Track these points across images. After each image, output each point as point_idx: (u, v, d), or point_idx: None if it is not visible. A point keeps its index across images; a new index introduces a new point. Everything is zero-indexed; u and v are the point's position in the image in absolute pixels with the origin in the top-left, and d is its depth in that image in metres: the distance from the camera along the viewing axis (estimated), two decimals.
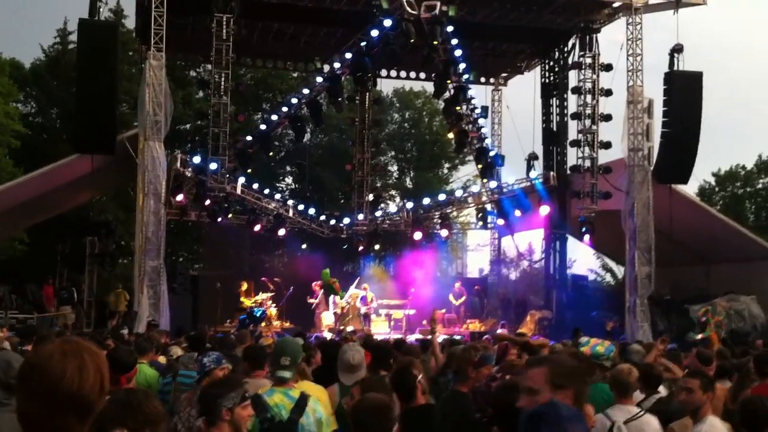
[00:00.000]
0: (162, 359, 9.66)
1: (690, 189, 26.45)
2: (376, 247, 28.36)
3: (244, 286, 25.17)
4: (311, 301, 25.21)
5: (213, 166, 23.02)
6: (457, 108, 26.47)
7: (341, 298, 24.94)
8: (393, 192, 44.50)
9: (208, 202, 23.68)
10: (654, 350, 9.51)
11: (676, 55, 24.43)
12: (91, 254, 25.57)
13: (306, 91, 26.10)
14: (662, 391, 7.04)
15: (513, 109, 30.53)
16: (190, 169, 23.74)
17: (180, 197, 23.68)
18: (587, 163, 25.09)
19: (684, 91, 24.42)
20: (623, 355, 8.73)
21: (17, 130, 31.63)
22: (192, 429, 5.55)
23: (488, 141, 27.93)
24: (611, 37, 26.25)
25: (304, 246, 27.94)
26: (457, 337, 17.58)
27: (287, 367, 5.41)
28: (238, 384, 4.65)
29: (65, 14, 42.50)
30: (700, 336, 20.37)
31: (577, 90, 25.49)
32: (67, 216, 29.42)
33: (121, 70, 26.82)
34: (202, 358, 6.50)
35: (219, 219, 24.31)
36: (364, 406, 4.07)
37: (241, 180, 24.83)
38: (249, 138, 26.32)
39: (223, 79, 23.08)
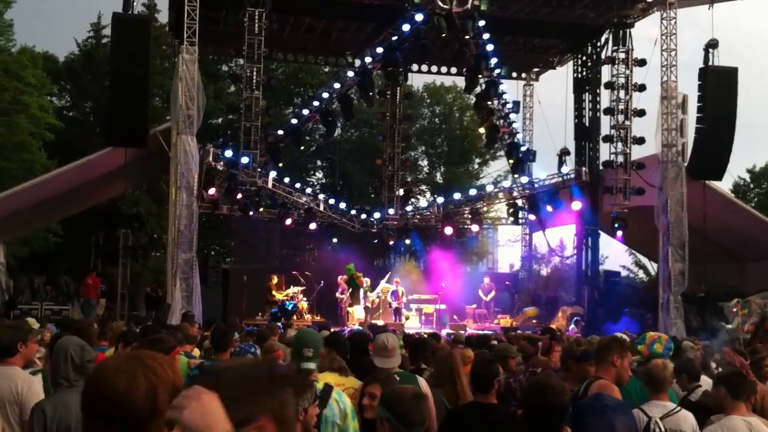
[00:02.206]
0: (196, 351, 9.70)
1: (724, 186, 26.16)
2: (407, 241, 28.36)
3: (275, 280, 25.27)
4: (338, 296, 25.27)
5: (244, 160, 23.13)
6: (489, 103, 26.37)
7: (369, 292, 24.95)
8: (423, 187, 44.46)
9: (239, 195, 23.80)
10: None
11: (710, 50, 24.19)
12: (124, 246, 25.81)
13: (337, 85, 26.11)
14: (703, 384, 6.97)
15: (545, 105, 30.41)
16: (221, 163, 23.87)
17: (212, 191, 23.83)
18: (620, 159, 24.90)
19: (719, 87, 24.16)
20: (675, 354, 8.62)
21: (51, 123, 31.96)
22: None
23: (520, 136, 27.79)
24: (645, 33, 26.04)
25: (334, 240, 28.00)
26: (488, 333, 17.50)
27: (311, 358, 5.40)
28: (311, 384, 4.66)
29: (99, 9, 42.85)
30: (729, 326, 20.23)
31: (610, 85, 25.29)
32: (101, 209, 29.72)
33: (153, 64, 27.03)
34: (254, 350, 6.52)
35: (250, 213, 24.41)
36: (404, 393, 4.05)
37: (273, 174, 24.92)
38: (280, 132, 26.41)
39: (254, 73, 23.19)
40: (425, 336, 12.96)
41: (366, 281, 25.26)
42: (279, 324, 16.37)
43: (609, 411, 4.41)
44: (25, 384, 5.60)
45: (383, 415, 3.90)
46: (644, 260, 37.23)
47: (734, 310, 21.29)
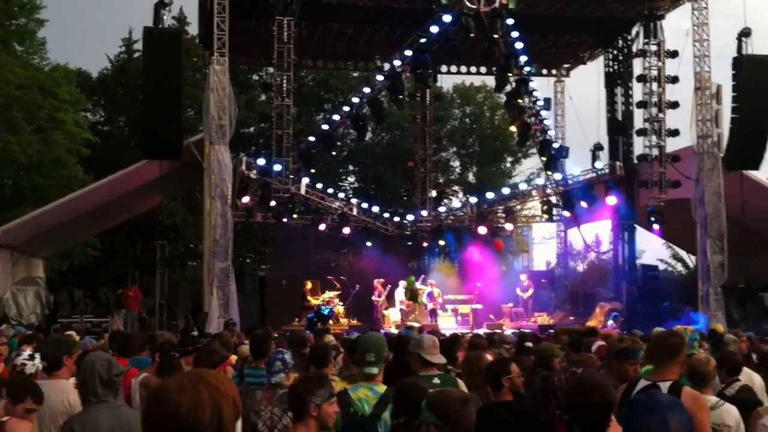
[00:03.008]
0: (233, 358, 9.77)
1: (762, 175, 25.73)
2: (441, 243, 28.31)
3: (309, 285, 25.37)
4: (375, 299, 25.29)
5: (277, 167, 23.26)
6: (519, 101, 26.24)
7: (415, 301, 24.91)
8: (456, 188, 44.38)
9: (273, 203, 23.93)
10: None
11: (743, 39, 23.82)
12: (161, 257, 26.07)
13: (367, 90, 26.14)
14: (742, 378, 6.88)
15: (576, 100, 30.16)
16: (254, 171, 24.01)
17: (246, 199, 23.99)
18: (655, 152, 24.66)
19: (753, 76, 23.79)
20: (717, 347, 8.51)
21: (87, 139, 32.42)
22: (274, 428, 5.60)
23: (551, 133, 27.62)
24: (676, 24, 25.77)
25: (368, 244, 28.04)
26: (526, 331, 17.40)
27: (373, 363, 5.42)
28: (326, 380, 4.69)
29: (130, 24, 43.41)
30: None
31: (642, 78, 25.05)
32: (137, 221, 30.06)
33: (185, 76, 27.29)
34: (282, 355, 6.55)
35: (284, 220, 24.53)
36: (452, 397, 4.02)
37: (305, 180, 25.02)
38: (312, 138, 26.51)
39: (285, 81, 23.32)
40: (458, 335, 12.86)
41: (404, 284, 25.25)
42: (312, 330, 16.41)
43: (662, 408, 4.35)
44: (76, 396, 5.66)
45: (431, 420, 3.82)
46: (682, 253, 36.79)
47: None
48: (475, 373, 6.58)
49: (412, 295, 24.71)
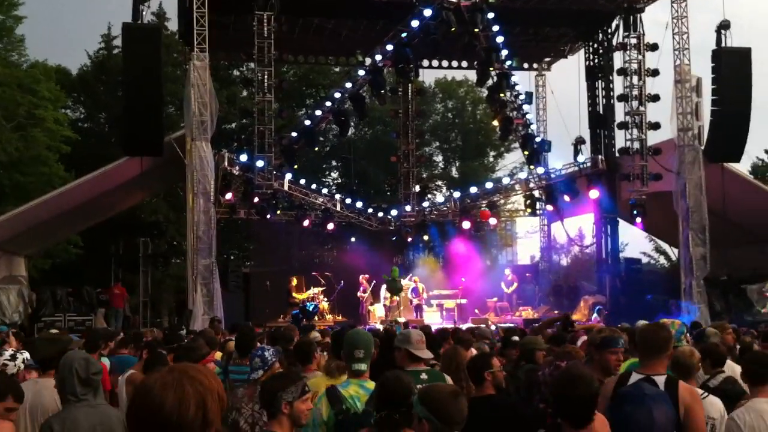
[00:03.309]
0: (219, 355, 9.74)
1: (743, 167, 25.94)
2: (425, 238, 28.34)
3: (295, 281, 25.33)
4: (360, 295, 25.28)
5: (260, 163, 23.18)
6: (501, 95, 26.29)
7: (397, 295, 24.88)
8: (439, 182, 44.43)
9: (256, 199, 23.87)
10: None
11: (723, 31, 23.95)
12: (144, 255, 25.94)
13: (348, 85, 26.11)
14: (726, 370, 6.92)
15: (558, 94, 30.30)
16: (237, 167, 23.94)
17: (229, 196, 23.91)
18: (636, 145, 24.77)
19: (732, 68, 23.92)
20: (699, 339, 8.55)
21: (67, 136, 32.17)
22: (256, 424, 5.58)
23: (534, 127, 27.69)
24: (655, 17, 25.85)
25: (352, 239, 28.03)
26: (510, 325, 17.46)
27: (362, 359, 5.41)
28: (298, 377, 4.68)
29: (109, 20, 43.07)
30: (764, 310, 20.06)
31: (622, 71, 25.14)
32: (120, 218, 29.89)
33: (165, 72, 27.11)
34: (262, 351, 6.53)
35: (268, 216, 24.47)
36: (443, 391, 4.03)
37: (288, 176, 24.97)
38: (294, 134, 26.45)
39: (266, 76, 23.23)
40: (444, 330, 12.89)
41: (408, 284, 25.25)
42: (297, 326, 16.36)
43: (648, 400, 4.38)
44: None
45: (422, 414, 3.85)
46: (665, 246, 37.01)
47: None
48: (453, 367, 6.60)
49: (394, 286, 24.66)
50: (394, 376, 4.42)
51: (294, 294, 24.96)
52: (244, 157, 23.81)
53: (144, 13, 22.52)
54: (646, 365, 5.27)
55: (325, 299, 25.19)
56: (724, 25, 23.92)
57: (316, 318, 23.11)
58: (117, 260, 26.53)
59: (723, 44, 23.97)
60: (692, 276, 22.86)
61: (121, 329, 18.37)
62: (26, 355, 6.54)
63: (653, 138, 25.11)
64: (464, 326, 19.52)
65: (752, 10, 45.53)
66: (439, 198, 32.16)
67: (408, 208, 29.00)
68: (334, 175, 44.01)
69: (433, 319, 24.42)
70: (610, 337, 6.81)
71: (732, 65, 23.92)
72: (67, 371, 5.03)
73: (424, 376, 5.67)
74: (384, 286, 25.12)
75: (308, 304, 24.09)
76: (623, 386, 5.15)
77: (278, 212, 25.01)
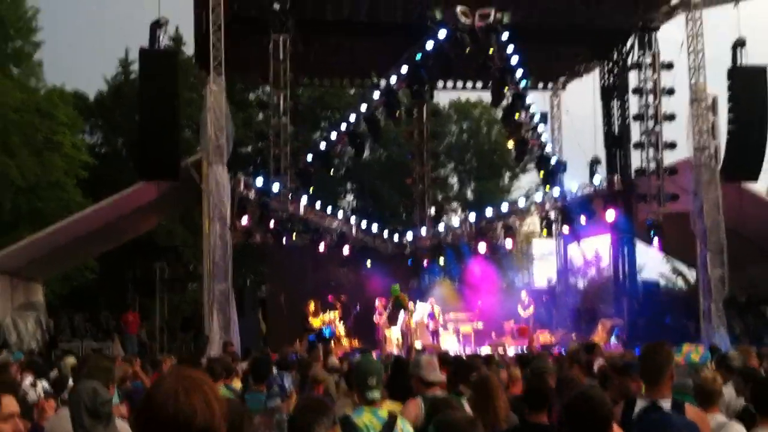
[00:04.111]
0: (237, 383, 9.68)
1: (761, 186, 25.74)
2: (441, 260, 28.20)
3: (312, 306, 25.25)
4: (376, 319, 25.13)
5: (275, 187, 23.21)
6: (516, 116, 26.22)
7: (411, 314, 24.75)
8: (454, 204, 44.36)
9: (272, 223, 23.85)
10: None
11: (738, 49, 23.89)
12: (161, 279, 25.99)
13: (363, 106, 26.14)
14: None
15: (573, 114, 30.22)
16: (253, 191, 23.97)
17: (245, 220, 23.91)
18: (652, 165, 24.65)
19: (749, 86, 23.88)
20: (721, 363, 8.44)
21: (84, 161, 32.40)
22: None
23: (549, 148, 27.58)
24: (670, 36, 25.81)
25: (368, 263, 27.93)
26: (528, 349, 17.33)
27: (375, 387, 5.34)
28: (328, 408, 4.60)
29: (126, 45, 43.47)
30: None
31: (638, 91, 25.09)
32: (136, 242, 30.00)
33: (182, 96, 27.32)
34: (282, 379, 6.49)
35: (284, 240, 24.46)
36: (459, 421, 3.96)
37: (304, 199, 24.97)
38: (309, 157, 26.48)
39: (281, 99, 23.31)
40: (472, 356, 12.73)
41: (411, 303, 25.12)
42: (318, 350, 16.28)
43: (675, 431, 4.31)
44: None
45: None
46: (682, 267, 36.70)
47: None
48: (483, 395, 6.51)
49: (399, 304, 24.57)
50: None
51: (310, 319, 24.89)
52: (260, 181, 23.84)
53: (161, 37, 22.67)
54: (649, 390, 5.18)
55: (342, 323, 25.08)
56: (739, 43, 23.87)
57: (332, 343, 23.00)
58: (133, 285, 26.61)
59: (739, 62, 23.89)
60: (711, 298, 22.61)
61: (137, 355, 18.36)
62: (45, 384, 6.54)
63: (669, 158, 25.01)
64: (482, 350, 19.43)
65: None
66: (455, 220, 32.07)
67: (423, 230, 28.91)
68: (350, 197, 44.07)
69: (450, 344, 24.24)
70: (632, 363, 6.73)
71: (748, 83, 23.88)
72: (75, 405, 4.96)
73: None
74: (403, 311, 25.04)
75: (324, 329, 24.00)
76: (631, 411, 5.07)
77: (294, 236, 24.98)
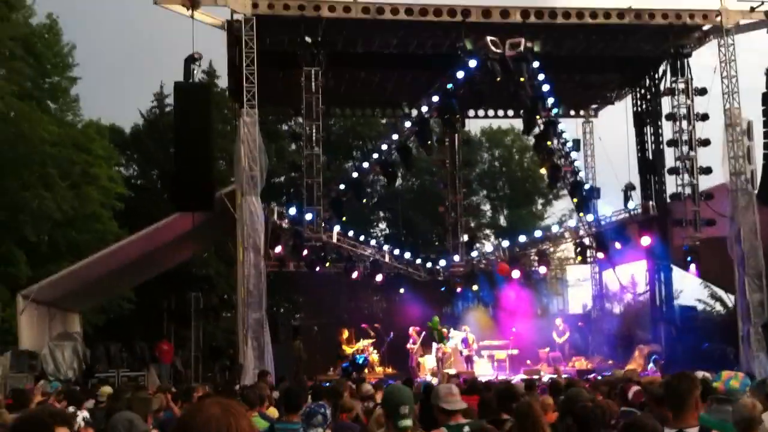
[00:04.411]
0: (273, 411, 9.69)
1: None
2: (474, 288, 28.13)
3: (345, 334, 25.28)
4: (410, 347, 25.09)
5: (308, 216, 23.36)
6: (548, 143, 26.20)
7: (446, 344, 24.69)
8: (487, 231, 44.25)
9: (305, 252, 24.00)
10: None
11: None
12: (195, 309, 26.16)
13: (395, 136, 26.29)
14: None
15: (606, 140, 30.09)
16: (286, 220, 24.14)
17: (278, 249, 24.07)
18: (687, 191, 24.44)
19: None
20: (761, 389, 8.30)
21: (120, 193, 32.84)
22: None
23: (582, 174, 27.50)
24: (703, 61, 25.69)
25: (401, 291, 27.94)
26: (564, 376, 17.17)
27: (407, 415, 5.33)
28: None
29: (161, 78, 44.21)
30: None
31: (671, 116, 24.94)
32: (171, 273, 30.27)
33: (215, 128, 27.66)
34: (324, 409, 6.50)
35: (317, 268, 24.58)
36: None
37: (337, 228, 25.09)
38: (342, 186, 26.63)
39: (314, 130, 23.53)
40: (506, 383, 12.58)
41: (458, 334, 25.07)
42: (350, 379, 16.28)
43: None
44: None
45: None
46: (720, 292, 36.18)
47: None
48: (528, 424, 6.44)
49: (439, 335, 24.54)
50: None
51: (344, 346, 24.89)
52: (293, 211, 24.03)
53: (195, 71, 23.05)
54: (675, 418, 5.13)
55: (375, 351, 25.06)
56: None
57: (366, 371, 22.98)
58: (169, 314, 26.81)
59: None
60: (750, 323, 22.29)
61: (171, 384, 18.48)
62: (85, 413, 6.61)
63: (705, 183, 24.78)
64: (518, 377, 19.28)
65: None
66: (488, 247, 31.98)
67: (456, 258, 28.87)
68: (382, 226, 44.13)
69: (485, 371, 24.12)
70: None
71: None
72: None
73: (466, 429, 5.61)
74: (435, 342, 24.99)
75: (358, 356, 24.00)
76: None
77: (327, 264, 25.09)
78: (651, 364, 22.63)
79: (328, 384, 13.66)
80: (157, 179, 39.37)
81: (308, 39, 23.02)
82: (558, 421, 7.78)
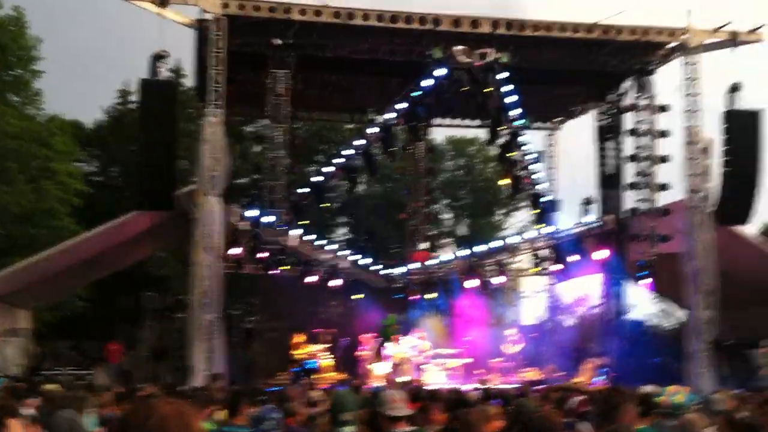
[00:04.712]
0: (224, 414, 9.62)
1: (752, 230, 25.79)
2: (431, 295, 28.16)
3: (299, 338, 25.17)
4: (362, 353, 25.02)
5: (269, 219, 23.25)
6: (511, 154, 26.35)
7: (394, 346, 24.71)
8: (447, 240, 44.37)
9: (264, 254, 23.87)
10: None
11: (734, 93, 24.06)
12: (149, 309, 25.92)
13: (360, 142, 26.28)
14: None
15: (568, 154, 30.36)
16: (246, 222, 23.99)
17: (236, 250, 23.92)
18: (645, 206, 24.70)
19: (743, 130, 23.99)
20: (705, 406, 8.43)
21: (79, 189, 32.45)
22: None
23: (543, 186, 27.67)
24: (668, 78, 26.00)
25: (359, 296, 27.89)
26: (514, 386, 17.26)
27: (349, 422, 5.31)
28: None
29: (126, 75, 43.79)
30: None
31: (633, 132, 25.22)
32: (127, 272, 29.94)
33: (180, 127, 27.44)
34: (273, 413, 6.46)
35: (274, 271, 24.46)
36: None
37: (296, 232, 24.99)
38: (304, 190, 26.54)
39: (279, 133, 23.43)
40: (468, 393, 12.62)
41: (394, 337, 25.06)
42: (301, 383, 16.24)
43: None
44: None
45: None
46: (672, 308, 36.58)
47: (763, 361, 20.81)
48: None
49: (386, 333, 24.54)
50: None
51: (296, 351, 24.79)
52: (253, 213, 23.90)
53: (161, 69, 22.87)
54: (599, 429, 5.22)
55: (329, 356, 24.98)
56: (735, 87, 24.03)
57: (317, 376, 22.89)
58: (123, 314, 26.54)
59: (734, 106, 24.05)
60: (699, 339, 22.56)
61: (118, 385, 18.25)
62: (32, 410, 6.54)
63: (663, 199, 25.07)
64: (470, 386, 19.32)
65: (764, 69, 45.79)
66: (447, 256, 32.00)
67: (415, 265, 28.89)
68: (343, 231, 44.06)
69: (437, 379, 24.13)
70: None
71: (742, 127, 23.98)
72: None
73: None
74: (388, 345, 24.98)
75: (308, 361, 23.90)
76: None
77: (285, 268, 24.97)
78: (601, 377, 22.82)
79: (277, 388, 13.61)
80: (118, 176, 38.97)
81: (278, 41, 22.95)
82: (506, 431, 7.84)
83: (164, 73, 24.48)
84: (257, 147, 37.55)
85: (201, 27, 22.60)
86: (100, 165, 40.03)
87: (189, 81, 35.77)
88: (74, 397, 7.66)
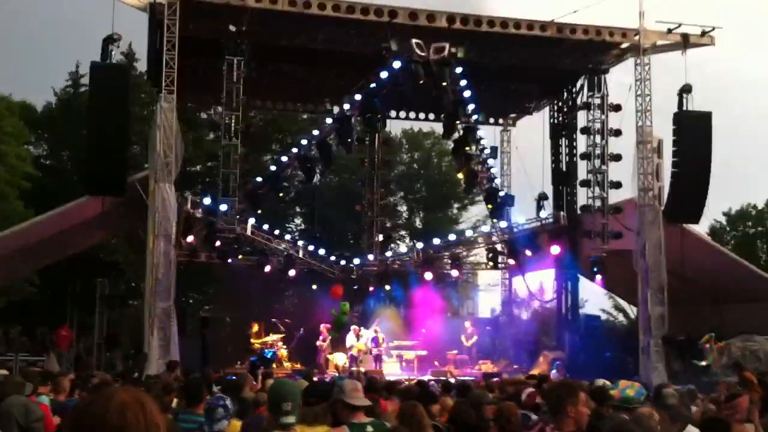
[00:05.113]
0: (175, 401, 9.54)
1: (702, 229, 26.35)
2: (387, 287, 28.27)
3: (255, 328, 25.08)
4: (319, 343, 25.06)
5: (223, 207, 23.08)
6: (466, 148, 26.48)
7: (352, 336, 24.75)
8: (403, 232, 44.49)
9: (218, 243, 23.70)
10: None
11: (684, 95, 24.50)
12: (101, 296, 25.55)
13: (316, 132, 26.18)
14: None
15: (522, 150, 30.62)
16: (200, 210, 23.79)
17: (190, 239, 23.70)
18: (597, 203, 25.06)
19: (693, 131, 24.46)
20: (657, 400, 8.56)
21: (28, 172, 31.80)
22: None
23: (498, 181, 27.92)
24: (620, 78, 26.39)
25: (314, 287, 27.86)
26: (470, 378, 17.41)
27: (290, 412, 5.23)
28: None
29: (77, 58, 42.94)
30: (703, 363, 20.19)
31: (586, 130, 25.53)
32: (78, 258, 29.45)
33: (132, 112, 27.03)
34: (224, 401, 6.41)
35: (229, 260, 24.30)
36: None
37: (251, 221, 24.85)
38: (259, 179, 26.39)
39: (233, 121, 23.23)
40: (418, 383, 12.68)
41: (355, 329, 25.12)
42: (258, 372, 16.14)
43: None
44: None
45: None
46: (624, 304, 37.25)
47: (707, 346, 21.30)
48: (414, 423, 6.49)
49: (339, 320, 24.60)
50: None
51: (253, 340, 24.67)
52: (207, 201, 23.69)
53: (113, 52, 22.51)
54: (552, 423, 5.32)
55: (285, 346, 24.93)
56: (686, 89, 24.47)
57: (274, 365, 22.83)
58: (73, 300, 26.09)
59: (685, 107, 24.49)
60: (650, 335, 22.98)
61: (70, 371, 17.98)
62: None
63: (615, 197, 25.47)
64: (425, 378, 19.44)
65: (714, 72, 46.70)
66: (403, 248, 32.16)
67: (371, 257, 28.96)
68: (298, 221, 43.89)
69: (393, 370, 24.27)
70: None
71: (693, 128, 24.45)
72: (5, 420, 4.82)
73: (369, 429, 5.58)
74: (348, 336, 25.00)
75: (267, 351, 23.83)
76: None
77: (240, 257, 24.83)
78: (554, 371, 23.13)
79: (233, 377, 13.52)
80: (68, 160, 38.26)
81: (232, 28, 22.72)
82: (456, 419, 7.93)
83: (116, 56, 24.14)
84: (211, 135, 37.30)
85: (154, 11, 22.21)
86: (49, 148, 39.24)
87: (142, 65, 35.30)
88: (12, 383, 7.54)
